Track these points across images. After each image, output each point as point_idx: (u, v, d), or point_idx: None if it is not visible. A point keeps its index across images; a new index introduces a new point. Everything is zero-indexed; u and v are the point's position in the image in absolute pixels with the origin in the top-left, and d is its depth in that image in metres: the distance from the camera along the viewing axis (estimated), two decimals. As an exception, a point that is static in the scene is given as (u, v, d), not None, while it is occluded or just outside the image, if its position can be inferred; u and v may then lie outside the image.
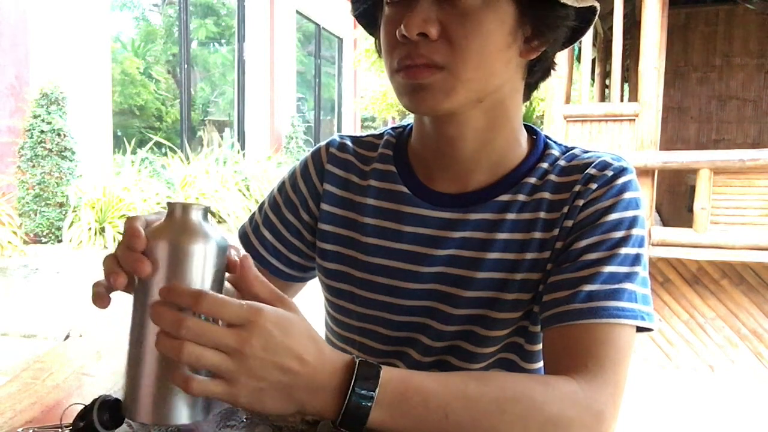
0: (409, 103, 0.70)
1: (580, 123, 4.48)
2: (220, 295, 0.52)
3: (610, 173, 0.73)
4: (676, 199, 6.44)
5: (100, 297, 0.55)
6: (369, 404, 0.54)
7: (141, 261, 0.52)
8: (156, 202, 6.12)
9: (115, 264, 0.54)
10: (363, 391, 0.54)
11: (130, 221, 0.55)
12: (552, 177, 0.76)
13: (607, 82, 7.15)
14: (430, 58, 0.66)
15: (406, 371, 0.59)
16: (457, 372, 0.75)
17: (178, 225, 0.54)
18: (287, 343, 0.52)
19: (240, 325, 0.51)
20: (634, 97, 5.15)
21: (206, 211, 0.55)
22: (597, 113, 4.51)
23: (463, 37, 0.66)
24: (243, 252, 0.58)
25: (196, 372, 0.52)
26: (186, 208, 0.54)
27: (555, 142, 0.81)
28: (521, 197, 0.76)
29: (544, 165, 0.77)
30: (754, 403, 3.92)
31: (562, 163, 0.77)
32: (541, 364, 0.79)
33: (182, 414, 0.54)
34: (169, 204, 0.55)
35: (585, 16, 0.73)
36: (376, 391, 0.55)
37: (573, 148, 0.79)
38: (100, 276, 0.56)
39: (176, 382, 0.51)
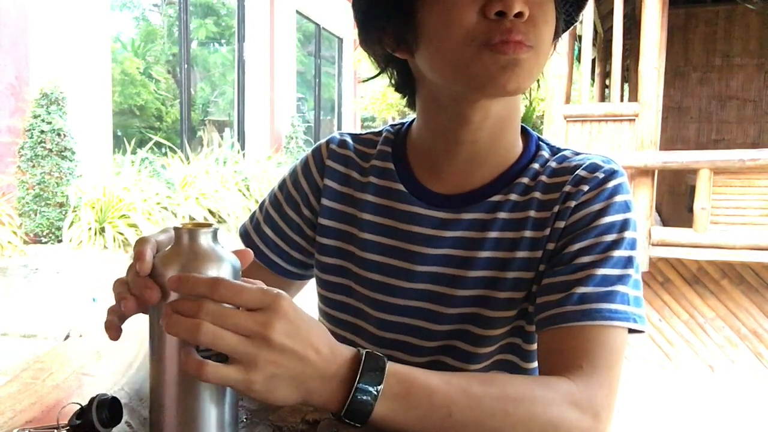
0: (500, 78, 0.67)
1: (580, 123, 4.48)
2: (237, 281, 0.52)
3: (601, 175, 0.73)
4: (676, 199, 6.44)
5: (112, 328, 0.56)
6: (374, 397, 0.54)
7: (149, 288, 0.52)
8: (156, 202, 6.11)
9: (125, 289, 0.54)
10: (369, 383, 0.54)
11: (139, 245, 0.54)
12: (543, 178, 0.77)
13: (607, 82, 7.16)
14: (527, 37, 0.66)
15: (411, 367, 0.59)
16: (459, 372, 0.76)
17: (188, 252, 0.53)
18: (305, 330, 0.53)
19: (259, 309, 0.51)
20: (634, 97, 5.15)
21: (215, 232, 0.55)
22: (597, 113, 4.51)
23: (544, 21, 0.68)
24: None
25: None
26: (194, 233, 0.53)
27: (546, 143, 0.81)
28: (513, 197, 0.76)
29: (536, 165, 0.78)
30: (754, 403, 3.92)
31: (552, 164, 0.77)
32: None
33: None
34: (175, 229, 0.54)
35: (570, 22, 0.76)
36: (382, 383, 0.55)
37: (563, 150, 0.80)
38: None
39: (189, 368, 0.50)
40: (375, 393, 0.54)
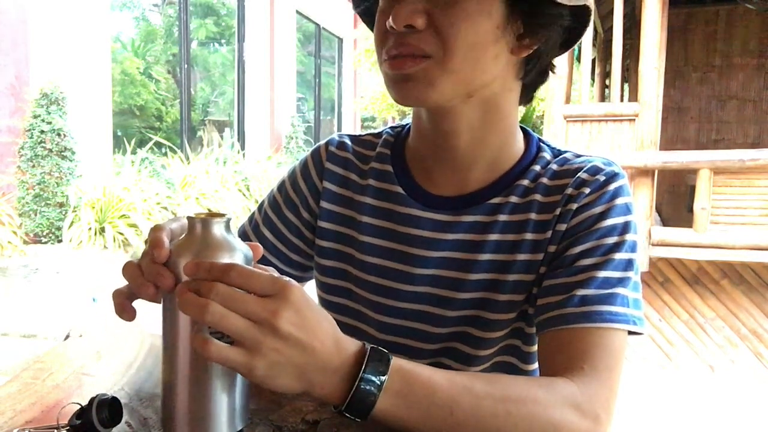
0: (395, 94, 0.71)
1: (580, 123, 4.48)
2: (249, 267, 0.52)
3: (602, 178, 0.73)
4: (676, 199, 6.44)
5: (126, 310, 0.56)
6: (377, 390, 0.54)
7: (165, 276, 0.53)
8: (156, 202, 6.11)
9: (139, 274, 0.54)
10: (372, 377, 0.54)
11: (154, 232, 0.55)
12: (544, 180, 0.76)
13: (607, 82, 7.15)
14: (417, 47, 0.67)
15: (415, 363, 0.59)
16: (462, 372, 0.76)
17: (201, 240, 0.54)
18: (312, 321, 0.53)
19: (269, 296, 0.51)
20: (634, 97, 5.15)
21: (228, 222, 0.55)
22: (597, 113, 4.51)
23: (449, 26, 0.66)
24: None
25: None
26: (207, 222, 0.54)
27: (547, 144, 0.81)
28: (513, 199, 0.76)
29: (537, 168, 0.77)
30: (754, 403, 3.92)
31: (554, 166, 0.77)
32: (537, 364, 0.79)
33: (221, 427, 0.54)
34: (189, 218, 0.54)
35: (580, 17, 0.73)
36: (386, 377, 0.55)
37: (565, 152, 0.79)
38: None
39: (194, 343, 0.50)
40: (379, 383, 0.54)
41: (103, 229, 5.61)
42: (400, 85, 0.69)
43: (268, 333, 0.50)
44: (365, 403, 0.54)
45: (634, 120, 4.31)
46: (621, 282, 0.69)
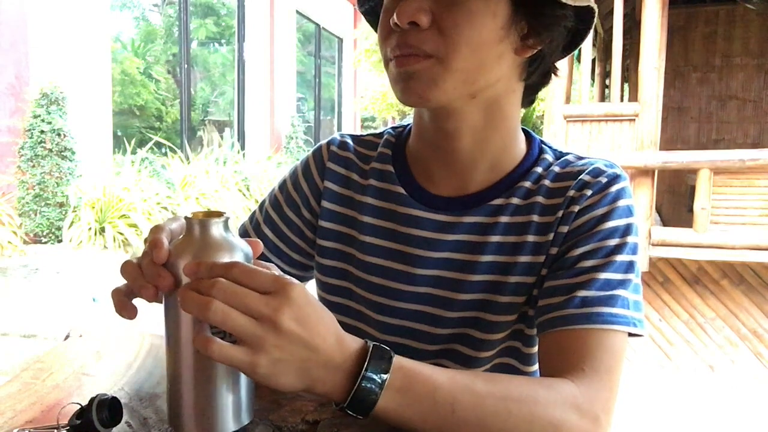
0: (400, 93, 0.70)
1: (580, 123, 4.48)
2: (250, 265, 0.52)
3: (604, 180, 0.73)
4: (676, 199, 6.44)
5: (126, 308, 0.56)
6: (379, 388, 0.54)
7: (164, 277, 0.53)
8: (156, 202, 6.11)
9: (139, 274, 0.54)
10: (374, 375, 0.54)
11: (153, 233, 0.55)
12: (546, 182, 0.76)
13: (607, 82, 7.15)
14: (420, 47, 0.67)
15: (417, 362, 0.59)
16: (463, 370, 0.76)
17: (200, 241, 0.54)
18: (314, 318, 0.53)
19: (271, 293, 0.51)
20: (634, 97, 5.15)
21: (226, 221, 0.55)
22: (597, 113, 4.51)
23: (453, 26, 0.66)
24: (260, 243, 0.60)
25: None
26: (205, 222, 0.54)
27: (549, 146, 0.81)
28: (515, 200, 0.76)
29: (539, 169, 0.77)
30: (754, 403, 3.92)
31: (556, 168, 0.77)
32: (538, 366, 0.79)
33: (227, 422, 0.55)
34: (187, 219, 0.54)
35: (584, 18, 0.73)
36: (387, 375, 0.55)
37: (567, 154, 0.79)
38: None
39: (196, 343, 0.50)
40: (380, 381, 0.54)
41: (103, 229, 5.60)
42: (405, 83, 0.69)
43: (269, 329, 0.50)
44: (367, 400, 0.54)
45: (634, 120, 4.31)
46: (622, 284, 0.69)
